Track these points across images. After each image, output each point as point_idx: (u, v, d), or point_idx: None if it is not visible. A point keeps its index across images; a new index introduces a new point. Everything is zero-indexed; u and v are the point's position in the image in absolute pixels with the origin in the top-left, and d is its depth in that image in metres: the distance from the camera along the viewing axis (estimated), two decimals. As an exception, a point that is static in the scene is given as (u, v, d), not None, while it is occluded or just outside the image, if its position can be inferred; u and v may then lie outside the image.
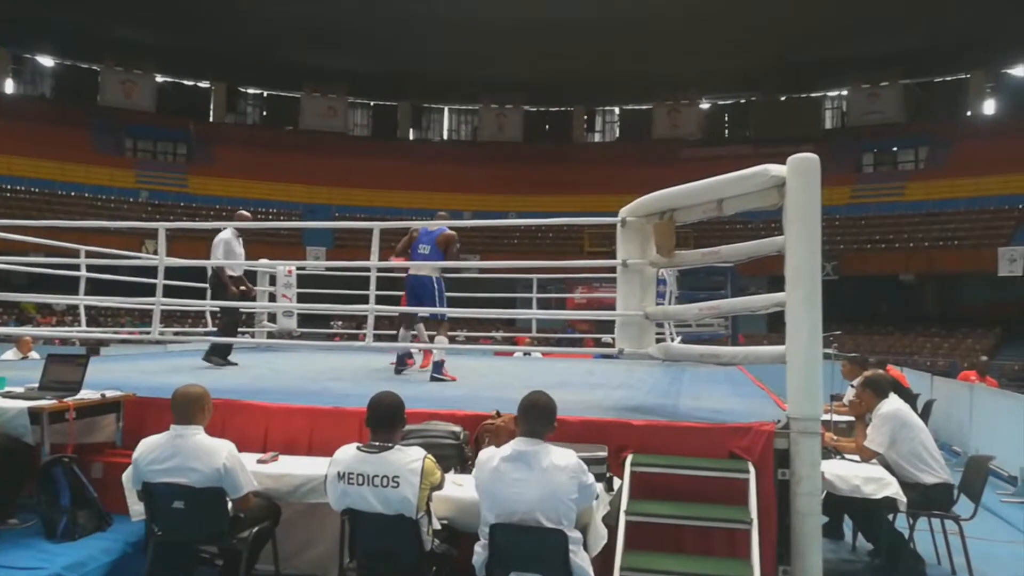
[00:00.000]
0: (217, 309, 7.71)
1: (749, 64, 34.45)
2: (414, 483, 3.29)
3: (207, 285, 7.60)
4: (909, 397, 7.15)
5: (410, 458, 3.37)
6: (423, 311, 7.10)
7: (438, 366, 6.66)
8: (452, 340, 9.31)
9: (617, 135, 41.98)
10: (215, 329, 7.97)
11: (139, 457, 3.68)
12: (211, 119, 39.90)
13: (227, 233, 7.42)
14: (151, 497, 3.65)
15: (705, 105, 40.40)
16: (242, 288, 7.63)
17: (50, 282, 9.54)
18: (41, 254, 9.06)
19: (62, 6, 30.93)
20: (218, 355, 7.35)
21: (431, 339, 7.37)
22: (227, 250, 7.34)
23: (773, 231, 4.20)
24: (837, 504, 4.94)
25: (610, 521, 3.70)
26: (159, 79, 38.60)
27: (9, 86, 36.71)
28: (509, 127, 40.58)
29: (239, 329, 8.20)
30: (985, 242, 27.87)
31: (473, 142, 41.23)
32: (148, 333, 6.71)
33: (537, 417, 3.41)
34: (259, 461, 4.10)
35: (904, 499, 4.48)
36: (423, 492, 3.32)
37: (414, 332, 7.69)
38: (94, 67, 37.63)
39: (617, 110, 41.87)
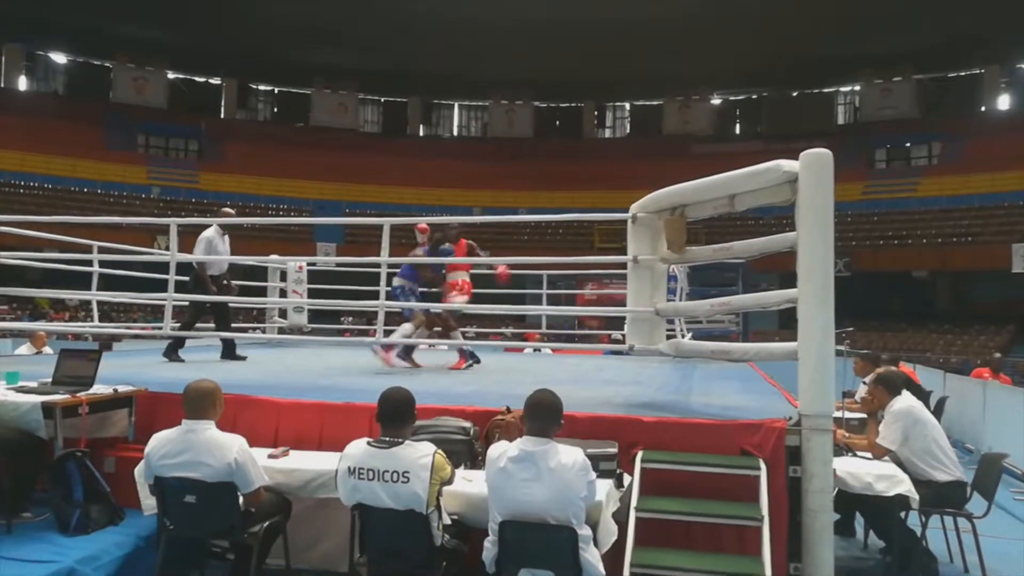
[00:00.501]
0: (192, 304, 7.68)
1: (760, 59, 34.27)
2: (424, 478, 3.30)
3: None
4: (921, 394, 7.10)
5: (420, 453, 3.37)
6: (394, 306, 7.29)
7: (405, 351, 7.11)
8: (463, 336, 9.32)
9: (628, 131, 41.90)
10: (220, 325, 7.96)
11: (151, 452, 3.69)
12: (222, 115, 40.10)
13: (210, 231, 7.42)
14: (163, 491, 3.67)
15: (716, 101, 40.27)
16: (224, 283, 7.60)
17: (63, 278, 9.59)
18: (54, 250, 9.11)
19: (74, 4, 31.10)
20: (172, 351, 7.31)
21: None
22: (208, 248, 7.33)
23: (785, 227, 4.18)
24: (849, 501, 4.92)
25: (620, 517, 3.69)
26: (171, 76, 38.82)
27: (22, 83, 37.02)
28: (519, 123, 40.58)
29: (255, 325, 8.19)
30: (999, 238, 27.65)
31: (483, 138, 41.23)
32: (160, 328, 6.74)
33: (543, 415, 3.40)
34: (270, 456, 4.11)
35: (916, 497, 4.46)
36: (433, 487, 3.32)
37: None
38: (106, 64, 37.89)
39: (627, 106, 41.77)
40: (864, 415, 5.73)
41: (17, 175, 30.53)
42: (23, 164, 30.79)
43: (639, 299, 5.12)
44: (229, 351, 7.71)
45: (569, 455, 3.29)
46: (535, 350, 11.76)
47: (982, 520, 4.79)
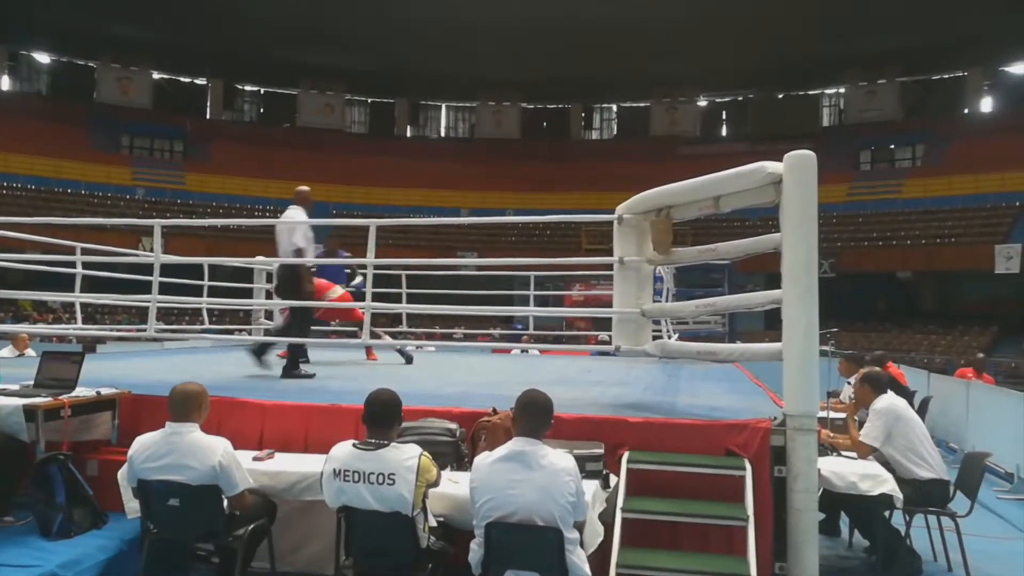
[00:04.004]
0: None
1: (747, 61, 34.45)
2: (410, 480, 3.28)
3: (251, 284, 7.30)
4: (906, 395, 7.15)
5: (406, 455, 3.35)
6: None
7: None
8: (449, 337, 9.34)
9: (615, 132, 42.00)
10: (211, 327, 7.87)
11: (134, 455, 3.67)
12: (208, 116, 39.88)
13: (299, 212, 6.46)
14: (146, 495, 3.64)
15: (703, 102, 40.43)
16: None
17: (47, 279, 9.51)
18: (38, 251, 9.03)
19: (58, 3, 30.84)
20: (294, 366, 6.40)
21: None
22: (306, 233, 6.36)
23: (771, 228, 4.21)
24: (834, 501, 4.94)
25: (607, 518, 3.69)
26: (156, 76, 38.56)
27: (5, 83, 36.70)
28: (506, 124, 40.57)
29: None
30: (982, 239, 27.91)
31: (470, 139, 41.22)
32: (144, 330, 6.69)
33: (535, 416, 3.39)
34: (255, 459, 4.09)
35: (901, 496, 4.48)
36: (419, 489, 3.31)
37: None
38: (91, 64, 37.59)
39: (615, 107, 41.86)
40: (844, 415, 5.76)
41: (0, 176, 30.24)
42: (6, 165, 30.50)
43: (625, 300, 5.13)
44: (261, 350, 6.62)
45: (560, 458, 3.29)
46: (523, 351, 11.76)
47: (965, 519, 4.83)
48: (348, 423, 4.25)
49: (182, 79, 39.84)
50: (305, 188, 6.85)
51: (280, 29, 32.87)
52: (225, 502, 3.64)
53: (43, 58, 37.57)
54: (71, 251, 7.87)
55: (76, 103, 35.99)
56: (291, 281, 6.29)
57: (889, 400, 5.05)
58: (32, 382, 4.59)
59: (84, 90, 37.11)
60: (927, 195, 31.52)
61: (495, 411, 4.28)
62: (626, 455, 4.02)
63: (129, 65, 37.23)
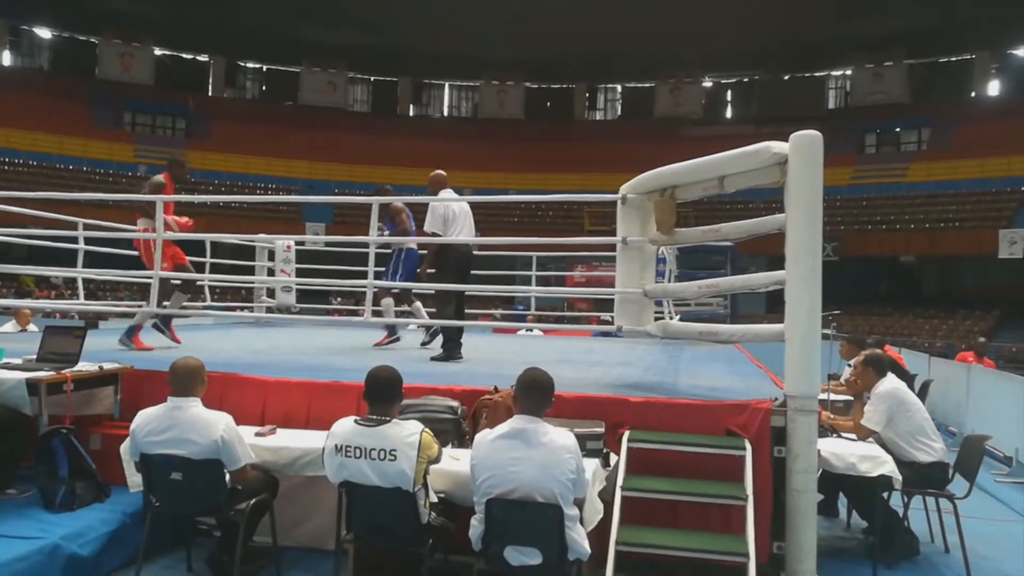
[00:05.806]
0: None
1: (752, 42, 34.17)
2: (411, 456, 3.30)
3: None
4: (906, 377, 7.14)
5: (407, 432, 3.37)
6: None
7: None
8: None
9: (619, 113, 41.78)
10: (213, 304, 7.86)
11: (136, 429, 3.68)
12: (210, 93, 39.69)
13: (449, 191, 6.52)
14: (149, 468, 3.66)
15: (708, 83, 40.16)
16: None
17: (49, 255, 9.51)
18: (39, 227, 9.01)
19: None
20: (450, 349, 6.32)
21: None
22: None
23: (774, 211, 4.19)
24: (832, 482, 4.96)
25: (606, 496, 3.71)
26: (158, 52, 38.34)
27: (7, 58, 36.47)
28: (510, 104, 40.38)
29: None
30: (986, 224, 27.84)
31: (474, 119, 41.01)
32: (143, 306, 6.69)
33: (536, 393, 3.39)
34: (257, 434, 4.11)
35: (899, 477, 4.49)
36: (420, 465, 3.32)
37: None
38: (92, 40, 37.37)
39: (619, 88, 41.61)
40: (849, 397, 5.77)
41: (1, 151, 30.18)
42: (8, 140, 30.43)
43: (628, 280, 5.11)
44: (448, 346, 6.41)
45: (561, 435, 3.29)
46: (528, 330, 11.78)
47: (964, 501, 4.83)
48: (350, 400, 4.27)
49: (184, 56, 39.60)
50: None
51: (282, 6, 32.61)
52: (227, 476, 3.66)
53: (44, 33, 37.35)
54: (73, 227, 7.86)
55: (78, 79, 35.82)
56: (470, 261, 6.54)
57: (891, 384, 5.05)
58: (35, 356, 4.61)
59: (86, 66, 36.93)
60: (932, 179, 31.40)
61: (496, 389, 4.29)
62: (626, 434, 4.03)
63: (131, 41, 37.02)
